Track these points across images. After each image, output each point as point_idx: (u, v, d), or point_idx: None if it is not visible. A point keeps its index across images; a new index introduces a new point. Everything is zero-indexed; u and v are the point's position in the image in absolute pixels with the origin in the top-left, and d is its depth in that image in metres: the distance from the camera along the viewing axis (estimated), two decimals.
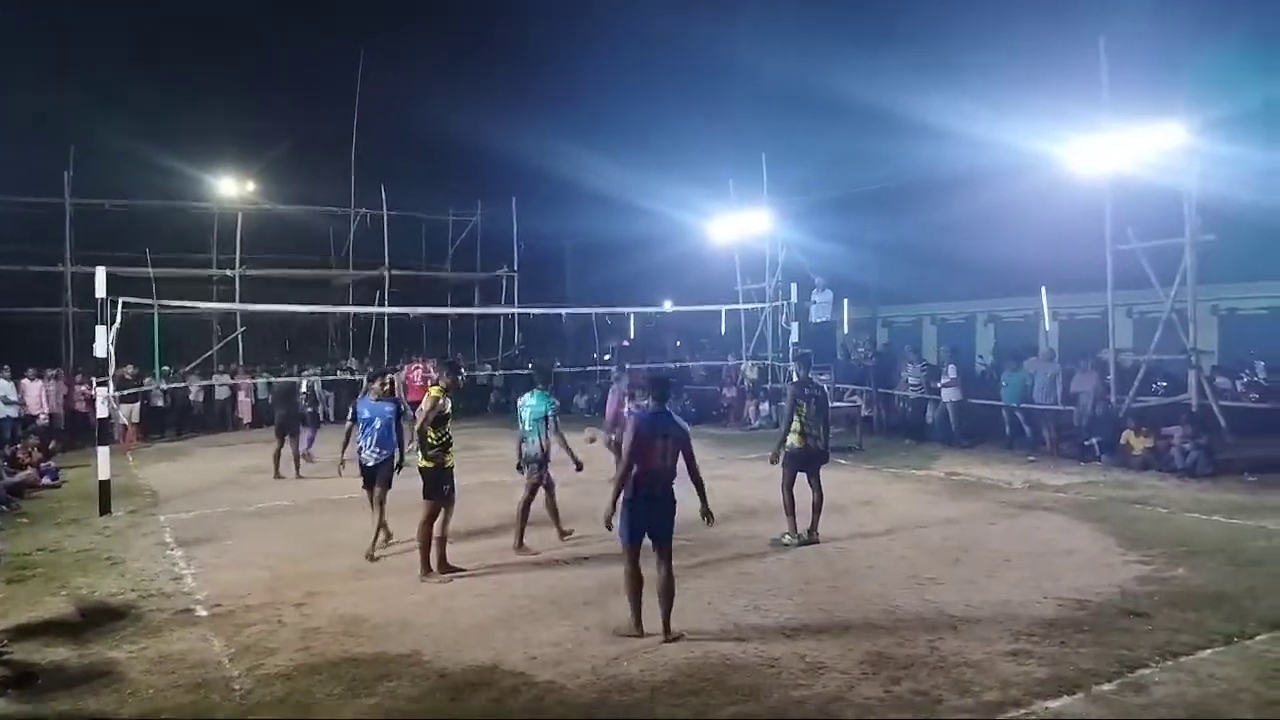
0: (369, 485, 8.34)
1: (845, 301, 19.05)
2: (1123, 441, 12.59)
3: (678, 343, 30.13)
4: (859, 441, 14.84)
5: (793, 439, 8.44)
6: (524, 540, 8.31)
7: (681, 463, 5.97)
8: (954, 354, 16.15)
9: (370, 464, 8.30)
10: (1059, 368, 13.79)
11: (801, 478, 8.46)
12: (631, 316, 30.57)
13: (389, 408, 8.48)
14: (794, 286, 16.17)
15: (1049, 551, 8.01)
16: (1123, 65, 13.70)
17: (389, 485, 8.30)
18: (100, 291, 10.32)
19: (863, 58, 21.73)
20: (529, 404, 8.32)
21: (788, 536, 8.31)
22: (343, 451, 8.81)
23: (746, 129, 22.89)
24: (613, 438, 9.88)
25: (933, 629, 5.94)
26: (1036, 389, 13.76)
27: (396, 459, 8.35)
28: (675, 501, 5.94)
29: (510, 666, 5.44)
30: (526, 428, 8.29)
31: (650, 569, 5.93)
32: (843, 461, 13.49)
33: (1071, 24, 19.18)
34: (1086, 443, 13.16)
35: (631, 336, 31.20)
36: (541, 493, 8.44)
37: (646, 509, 5.84)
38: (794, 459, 8.46)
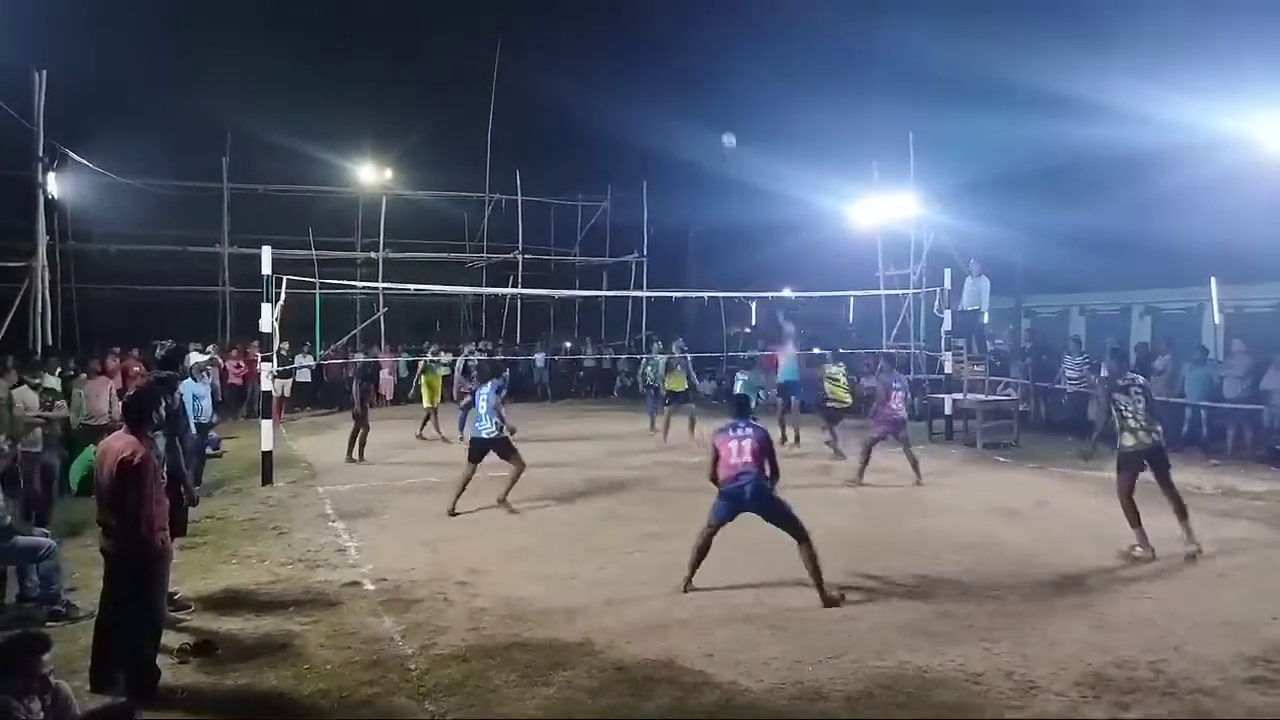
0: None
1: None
2: None
3: (803, 331, 29.31)
4: (1016, 438, 13.93)
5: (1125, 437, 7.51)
6: None
7: None
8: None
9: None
10: (1253, 363, 12.53)
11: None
12: (753, 304, 30.01)
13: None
14: (947, 272, 15.28)
15: (1267, 567, 7.17)
16: None
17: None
18: (266, 269, 10.62)
19: (1022, 30, 20.42)
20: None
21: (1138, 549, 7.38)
22: None
23: (893, 108, 21.77)
24: None
25: (1152, 648, 5.32)
26: (1227, 386, 12.55)
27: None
28: None
29: (687, 663, 5.16)
30: None
31: None
32: (1001, 459, 12.71)
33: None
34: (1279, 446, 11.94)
35: (753, 323, 30.56)
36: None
37: None
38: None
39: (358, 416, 12.67)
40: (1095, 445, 8.01)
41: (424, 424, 15.11)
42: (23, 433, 8.33)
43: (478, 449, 9.38)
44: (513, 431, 9.58)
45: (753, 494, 6.27)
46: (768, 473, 6.40)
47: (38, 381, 8.86)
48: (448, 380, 16.07)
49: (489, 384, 9.52)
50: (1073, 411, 15.46)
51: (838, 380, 12.94)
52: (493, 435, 9.29)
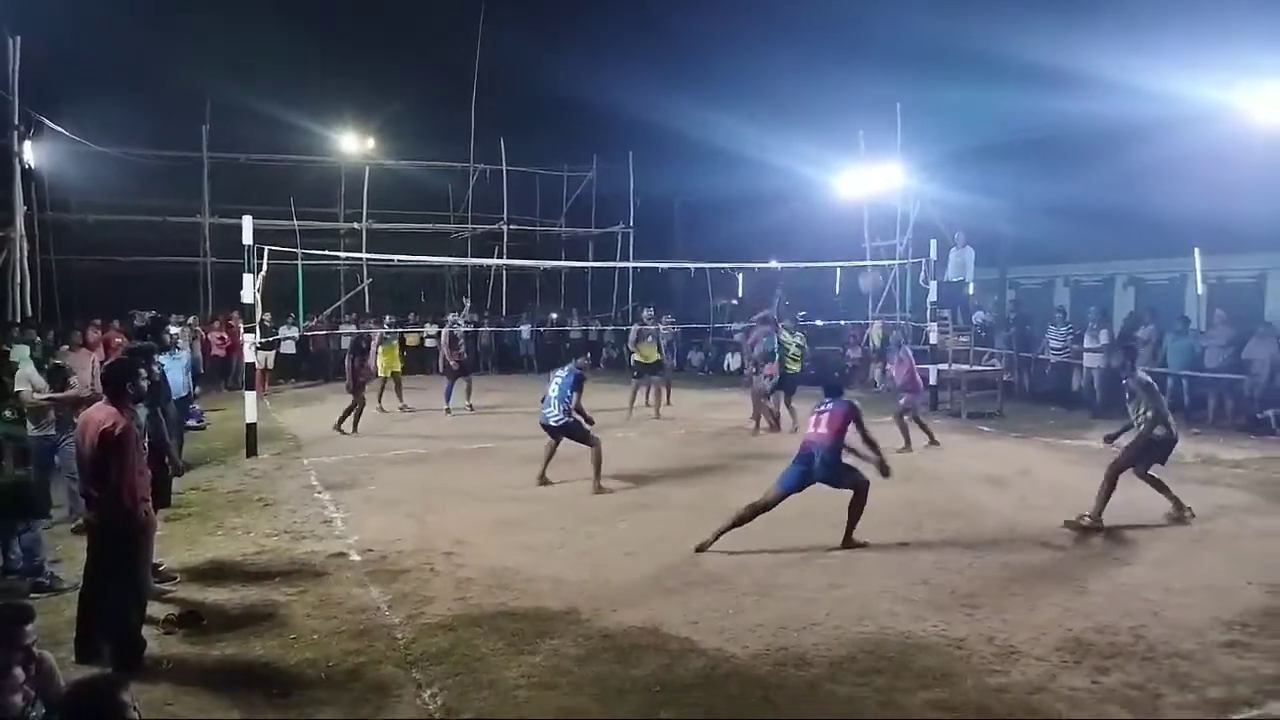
0: None
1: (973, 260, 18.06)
2: None
3: (786, 302, 29.28)
4: (1000, 408, 14.03)
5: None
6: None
7: None
8: (1104, 317, 15.11)
9: None
10: (1234, 333, 12.65)
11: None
12: (740, 275, 29.97)
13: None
14: (933, 243, 15.31)
15: (1243, 533, 7.29)
16: None
17: None
18: (247, 239, 10.50)
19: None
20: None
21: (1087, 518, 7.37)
22: None
23: (879, 78, 21.61)
24: None
25: (1131, 614, 5.40)
26: (1208, 355, 12.67)
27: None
28: None
29: (673, 630, 5.20)
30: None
31: None
32: (985, 429, 12.81)
33: None
34: (1260, 415, 12.07)
35: (740, 295, 30.54)
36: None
37: None
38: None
39: (353, 392, 12.63)
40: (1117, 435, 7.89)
41: (399, 393, 15.09)
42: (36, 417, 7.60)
43: (548, 432, 9.00)
44: (590, 423, 9.09)
45: (820, 464, 6.74)
46: (848, 441, 6.86)
47: (57, 362, 8.39)
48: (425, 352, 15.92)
49: (568, 369, 9.01)
50: (1056, 382, 15.59)
51: (788, 348, 12.70)
52: (561, 422, 8.83)
